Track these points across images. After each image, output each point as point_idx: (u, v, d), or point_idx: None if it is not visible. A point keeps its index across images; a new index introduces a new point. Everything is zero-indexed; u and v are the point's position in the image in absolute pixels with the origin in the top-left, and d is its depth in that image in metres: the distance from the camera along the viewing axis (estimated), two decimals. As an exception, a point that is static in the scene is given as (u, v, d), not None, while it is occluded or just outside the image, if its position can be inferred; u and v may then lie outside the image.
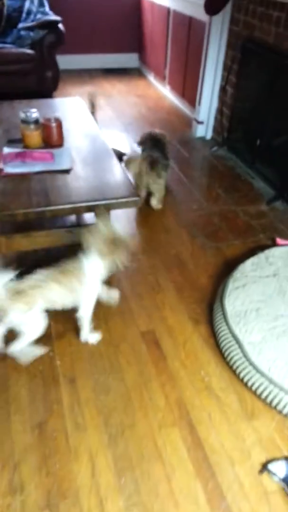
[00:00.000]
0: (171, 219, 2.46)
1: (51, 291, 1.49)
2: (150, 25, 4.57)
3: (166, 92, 4.38)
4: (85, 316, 1.65)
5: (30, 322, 1.51)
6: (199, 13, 3.33)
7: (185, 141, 3.44)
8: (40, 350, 1.64)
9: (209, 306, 1.87)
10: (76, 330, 1.72)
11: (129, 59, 5.11)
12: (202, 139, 3.51)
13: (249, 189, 2.82)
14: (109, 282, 1.95)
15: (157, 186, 2.46)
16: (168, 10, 4.04)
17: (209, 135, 3.51)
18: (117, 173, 1.87)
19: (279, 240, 2.30)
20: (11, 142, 2.09)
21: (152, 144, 2.59)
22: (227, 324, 1.66)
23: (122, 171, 1.88)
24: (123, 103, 4.12)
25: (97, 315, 1.79)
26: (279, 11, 2.50)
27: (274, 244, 2.29)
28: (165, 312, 1.85)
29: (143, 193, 2.49)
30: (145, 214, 2.50)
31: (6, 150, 1.99)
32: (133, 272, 2.06)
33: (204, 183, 2.90)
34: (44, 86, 3.93)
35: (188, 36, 3.69)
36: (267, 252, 2.05)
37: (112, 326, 1.77)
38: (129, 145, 3.29)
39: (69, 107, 2.59)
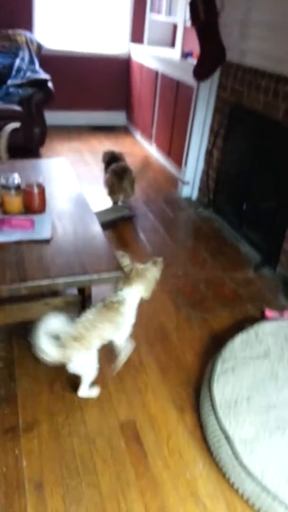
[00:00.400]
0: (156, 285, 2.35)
1: (104, 330, 1.56)
2: (139, 85, 4.70)
3: (152, 151, 4.42)
4: (123, 346, 1.74)
5: (90, 363, 1.59)
6: (187, 78, 3.42)
7: (170, 201, 3.41)
8: (97, 390, 1.68)
9: (196, 390, 1.71)
10: (49, 420, 1.54)
11: (117, 117, 5.21)
12: (188, 199, 3.49)
13: (235, 254, 2.76)
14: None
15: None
16: (156, 73, 4.16)
17: (194, 196, 3.50)
18: (100, 243, 1.77)
19: (268, 312, 2.20)
20: (-11, 205, 1.99)
21: (115, 161, 3.28)
22: (216, 415, 1.51)
23: (105, 243, 1.78)
24: (109, 160, 4.12)
25: (72, 405, 1.62)
26: (267, 80, 2.55)
27: (263, 316, 2.18)
28: (148, 396, 1.69)
29: (120, 197, 3.18)
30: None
31: (-17, 215, 1.88)
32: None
33: (189, 246, 2.83)
34: (31, 142, 3.92)
35: (176, 98, 3.78)
36: (257, 327, 1.94)
37: (89, 417, 1.59)
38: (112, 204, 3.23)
39: (54, 168, 2.53)
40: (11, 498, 1.32)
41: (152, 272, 1.71)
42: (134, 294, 1.66)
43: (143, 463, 1.44)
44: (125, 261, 1.66)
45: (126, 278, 1.64)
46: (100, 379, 1.73)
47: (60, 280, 1.54)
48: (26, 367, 1.77)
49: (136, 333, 1.99)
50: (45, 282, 1.53)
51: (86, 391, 1.65)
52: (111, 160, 3.29)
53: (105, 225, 2.76)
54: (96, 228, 1.88)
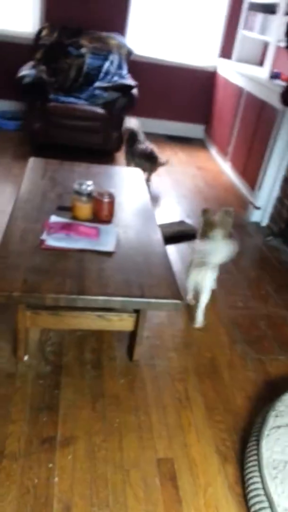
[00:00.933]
0: (210, 312, 2.24)
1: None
2: (221, 100, 4.60)
3: (226, 168, 4.30)
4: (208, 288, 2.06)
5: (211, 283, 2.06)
6: (273, 100, 3.27)
7: (237, 223, 3.27)
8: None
9: (242, 440, 1.59)
10: (87, 439, 1.49)
11: (195, 129, 5.14)
12: (257, 224, 3.33)
13: (302, 292, 2.57)
14: (132, 380, 1.75)
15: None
16: (241, 90, 4.04)
17: (264, 222, 3.33)
18: (162, 266, 1.70)
19: None
20: (60, 209, 1.99)
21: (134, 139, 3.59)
22: (261, 475, 1.37)
23: (168, 265, 1.71)
24: (181, 173, 4.06)
25: (112, 428, 1.56)
26: None
27: None
28: (190, 436, 1.59)
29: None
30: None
31: (53, 219, 1.88)
32: (161, 374, 1.83)
33: (253, 276, 2.68)
34: (109, 145, 3.96)
35: (258, 119, 3.63)
36: None
37: (127, 445, 1.52)
38: (179, 218, 3.16)
39: (128, 177, 2.51)
40: (38, 516, 1.28)
41: (227, 219, 2.20)
42: (218, 236, 2.04)
43: (176, 509, 1.35)
44: (208, 214, 2.22)
45: (211, 226, 2.12)
46: (144, 407, 1.66)
47: (117, 299, 1.49)
48: (72, 377, 1.74)
49: (186, 363, 1.90)
50: (101, 298, 1.49)
51: (201, 318, 2.09)
52: (131, 138, 3.58)
53: (167, 239, 2.70)
54: (160, 249, 1.81)
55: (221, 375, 1.87)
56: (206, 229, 2.16)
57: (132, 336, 1.85)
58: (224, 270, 2.62)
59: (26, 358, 1.77)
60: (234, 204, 3.59)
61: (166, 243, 1.88)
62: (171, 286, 1.59)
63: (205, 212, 2.28)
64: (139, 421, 1.62)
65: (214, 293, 2.39)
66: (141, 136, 3.64)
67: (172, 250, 2.72)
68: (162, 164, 3.53)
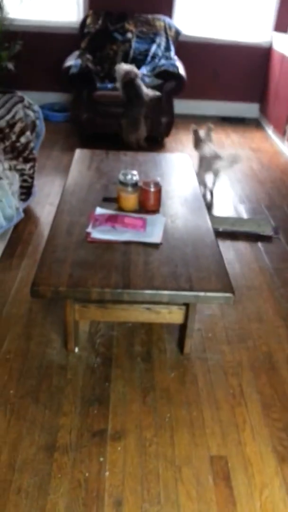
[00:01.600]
0: (268, 304, 2.12)
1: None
2: (277, 77, 4.31)
3: (284, 149, 4.04)
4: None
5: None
6: None
7: (297, 207, 3.07)
8: None
9: (302, 440, 1.49)
10: (138, 432, 1.48)
11: (248, 109, 4.88)
12: None
13: None
14: (183, 373, 1.69)
15: None
16: (299, 63, 3.75)
17: None
18: (212, 257, 1.61)
19: None
20: (106, 200, 1.97)
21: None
22: None
23: (218, 256, 1.63)
24: (234, 155, 3.88)
25: (163, 422, 1.53)
26: None
27: None
28: (245, 434, 1.51)
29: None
30: (241, 282, 2.19)
31: (99, 211, 1.86)
32: (213, 367, 1.76)
33: (314, 263, 2.50)
34: (158, 131, 3.88)
35: None
36: None
37: (178, 440, 1.48)
38: (233, 206, 3.02)
39: (175, 164, 2.43)
40: (90, 507, 1.28)
41: (209, 133, 3.08)
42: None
43: (231, 510, 1.29)
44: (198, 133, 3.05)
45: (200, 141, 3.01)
46: (196, 402, 1.61)
47: (164, 293, 1.44)
48: (123, 369, 1.73)
49: (240, 357, 1.81)
50: (148, 292, 1.44)
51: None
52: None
53: (231, 235, 2.60)
54: (210, 238, 1.73)
55: (278, 371, 1.76)
56: (197, 143, 3.06)
57: (183, 329, 1.79)
58: (282, 259, 2.47)
59: (76, 350, 1.78)
60: (292, 186, 3.37)
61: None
62: (222, 279, 1.51)
63: (195, 132, 3.10)
64: (191, 416, 1.57)
65: (270, 282, 2.27)
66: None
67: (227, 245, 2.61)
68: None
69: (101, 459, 1.42)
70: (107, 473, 1.38)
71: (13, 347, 1.78)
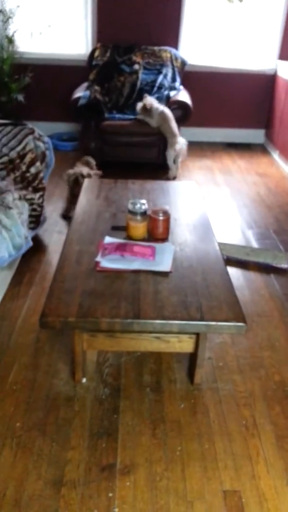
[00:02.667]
0: (279, 331, 2.09)
1: None
2: (282, 103, 4.39)
3: (290, 173, 4.07)
4: None
5: None
6: None
7: (306, 231, 3.06)
8: None
9: None
10: (147, 466, 1.44)
11: (254, 135, 4.95)
12: None
13: None
14: (193, 404, 1.65)
15: None
16: (303, 90, 3.82)
17: None
18: (222, 286, 1.60)
19: None
20: (115, 228, 1.98)
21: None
22: None
23: (229, 284, 1.62)
24: (241, 181, 3.92)
25: (173, 456, 1.49)
26: None
27: None
28: (259, 467, 1.46)
29: None
30: (252, 309, 2.16)
31: (108, 239, 1.87)
32: (225, 398, 1.72)
33: None
34: (165, 158, 3.93)
35: None
36: None
37: (189, 474, 1.44)
38: (241, 232, 3.02)
39: (182, 191, 2.45)
40: None
41: None
42: None
43: None
44: None
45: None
46: (207, 434, 1.57)
47: (174, 323, 1.42)
48: (131, 400, 1.70)
49: (252, 386, 1.77)
50: (158, 322, 1.43)
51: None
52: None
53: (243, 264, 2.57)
54: (220, 266, 1.72)
55: (292, 401, 1.72)
56: None
57: (193, 358, 1.77)
58: (291, 283, 2.45)
59: (84, 380, 1.76)
60: (299, 211, 3.37)
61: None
62: (233, 307, 1.49)
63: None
64: (203, 449, 1.52)
65: (281, 309, 2.24)
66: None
67: (238, 273, 2.60)
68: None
69: (110, 494, 1.38)
70: (116, 510, 1.33)
71: (20, 378, 1.77)
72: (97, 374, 1.80)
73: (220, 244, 2.66)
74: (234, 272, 2.52)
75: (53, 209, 3.19)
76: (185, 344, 1.70)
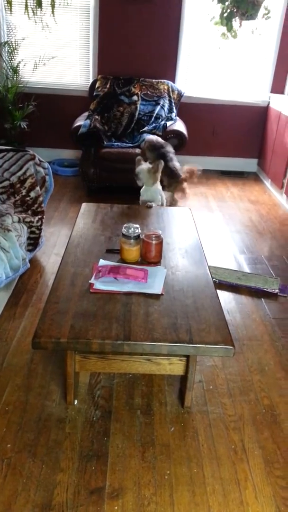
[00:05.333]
0: (270, 355, 2.11)
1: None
2: (274, 133, 4.55)
3: (282, 200, 4.18)
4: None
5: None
6: None
7: (297, 258, 3.13)
8: None
9: (306, 500, 1.44)
10: (136, 490, 1.44)
11: (247, 164, 5.10)
12: None
13: None
14: (183, 427, 1.66)
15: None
16: (294, 122, 3.97)
17: None
18: (212, 309, 1.65)
19: None
20: (109, 251, 2.04)
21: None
22: None
23: (218, 307, 1.66)
24: (234, 208, 4.01)
25: (162, 479, 1.49)
26: None
27: None
28: (247, 493, 1.47)
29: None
30: (242, 332, 2.19)
31: (102, 262, 1.93)
32: (215, 421, 1.73)
33: (315, 314, 2.51)
34: (162, 185, 4.02)
35: (314, 149, 3.52)
36: None
37: (178, 499, 1.44)
38: (233, 256, 3.08)
39: (176, 217, 2.52)
40: None
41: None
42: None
43: None
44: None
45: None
46: (196, 458, 1.58)
47: (163, 345, 1.46)
48: (122, 423, 1.71)
49: (242, 410, 1.79)
50: (147, 344, 1.46)
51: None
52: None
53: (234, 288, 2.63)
54: (210, 290, 1.77)
55: (281, 425, 1.73)
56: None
57: (183, 380, 1.79)
58: (283, 309, 2.49)
59: (75, 402, 1.77)
60: (291, 237, 3.45)
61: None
62: (222, 330, 1.53)
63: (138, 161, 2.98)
64: (191, 473, 1.53)
65: (271, 333, 2.27)
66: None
67: (229, 297, 2.65)
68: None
69: (99, 519, 1.37)
70: (104, 535, 1.33)
71: (13, 399, 1.78)
72: (89, 396, 1.81)
73: (212, 268, 2.75)
74: (226, 296, 2.57)
75: (52, 232, 3.26)
76: (176, 367, 1.73)
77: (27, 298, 2.45)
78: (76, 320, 1.53)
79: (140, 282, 1.79)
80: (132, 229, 1.93)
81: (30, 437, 1.62)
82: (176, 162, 3.58)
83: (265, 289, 2.62)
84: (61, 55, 4.56)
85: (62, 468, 1.51)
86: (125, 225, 1.95)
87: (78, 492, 1.44)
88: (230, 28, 3.90)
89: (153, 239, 1.94)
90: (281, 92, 4.72)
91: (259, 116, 4.88)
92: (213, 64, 4.70)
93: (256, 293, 2.62)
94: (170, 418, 1.74)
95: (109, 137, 4.20)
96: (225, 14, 3.84)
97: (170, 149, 3.64)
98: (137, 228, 1.94)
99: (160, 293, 1.73)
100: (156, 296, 1.71)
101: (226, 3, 3.78)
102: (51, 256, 2.93)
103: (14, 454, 1.55)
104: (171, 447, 1.62)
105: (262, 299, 2.56)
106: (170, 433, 1.67)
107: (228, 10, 3.82)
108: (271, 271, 2.89)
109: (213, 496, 1.45)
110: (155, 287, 1.77)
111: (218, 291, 2.58)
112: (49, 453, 1.57)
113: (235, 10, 3.77)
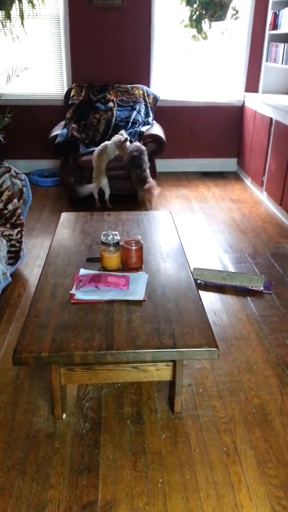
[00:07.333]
0: (258, 354, 2.11)
1: None
2: (251, 132, 4.58)
3: (263, 198, 4.20)
4: None
5: None
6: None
7: (280, 255, 3.14)
8: None
9: (300, 498, 1.43)
10: (129, 501, 1.41)
11: (227, 163, 5.13)
12: (301, 252, 3.18)
13: None
14: (174, 434, 1.64)
15: None
16: (270, 120, 4.00)
17: (309, 249, 3.17)
18: (194, 312, 1.63)
19: None
20: (90, 260, 2.02)
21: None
22: None
23: (201, 310, 1.65)
24: (216, 208, 4.02)
25: (155, 488, 1.47)
26: None
27: None
28: (241, 495, 1.45)
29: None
30: (229, 332, 2.18)
31: (82, 271, 1.90)
32: (206, 425, 1.71)
33: (301, 308, 2.52)
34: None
35: (290, 145, 3.55)
36: None
37: (171, 507, 1.41)
38: (217, 257, 3.08)
39: (156, 221, 2.51)
40: None
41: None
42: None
43: None
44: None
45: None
46: (189, 464, 1.56)
47: (147, 352, 1.44)
48: (112, 433, 1.68)
49: (232, 411, 1.78)
50: (131, 352, 1.44)
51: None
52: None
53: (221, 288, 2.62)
54: (192, 293, 1.76)
55: (271, 424, 1.72)
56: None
57: (172, 385, 1.77)
58: (269, 306, 2.49)
59: (64, 416, 1.74)
60: (274, 234, 3.47)
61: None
62: (205, 333, 1.52)
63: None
64: (184, 479, 1.51)
65: (258, 331, 2.27)
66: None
67: (214, 297, 2.64)
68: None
69: (92, 534, 1.35)
70: None
71: (0, 417, 1.74)
72: (77, 409, 1.78)
73: (198, 270, 2.75)
74: (212, 297, 2.56)
75: (34, 244, 3.22)
76: (163, 372, 1.71)
77: (11, 313, 2.41)
78: (57, 333, 1.50)
79: (122, 289, 1.77)
80: (111, 236, 1.91)
81: (19, 455, 1.58)
82: (147, 170, 3.80)
83: (250, 287, 2.62)
84: (34, 65, 4.54)
85: (52, 484, 1.48)
86: (103, 232, 1.93)
87: (70, 508, 1.41)
88: (200, 30, 3.92)
89: (133, 245, 1.93)
90: (255, 90, 4.77)
91: (235, 115, 4.92)
92: (186, 66, 4.73)
93: (241, 292, 2.62)
94: (160, 425, 1.72)
95: (87, 145, 4.18)
96: (194, 17, 3.87)
97: (145, 158, 3.83)
98: (116, 234, 1.92)
99: (142, 299, 1.71)
100: (138, 303, 1.69)
101: (194, 6, 3.80)
102: (34, 268, 2.90)
103: (3, 474, 1.51)
104: (162, 454, 1.60)
105: (248, 298, 2.57)
106: (161, 440, 1.65)
107: (197, 13, 3.84)
108: (256, 269, 2.90)
109: (207, 501, 1.44)
110: (137, 293, 1.75)
111: (204, 293, 2.61)
112: (39, 470, 1.53)
113: (203, 12, 3.79)
